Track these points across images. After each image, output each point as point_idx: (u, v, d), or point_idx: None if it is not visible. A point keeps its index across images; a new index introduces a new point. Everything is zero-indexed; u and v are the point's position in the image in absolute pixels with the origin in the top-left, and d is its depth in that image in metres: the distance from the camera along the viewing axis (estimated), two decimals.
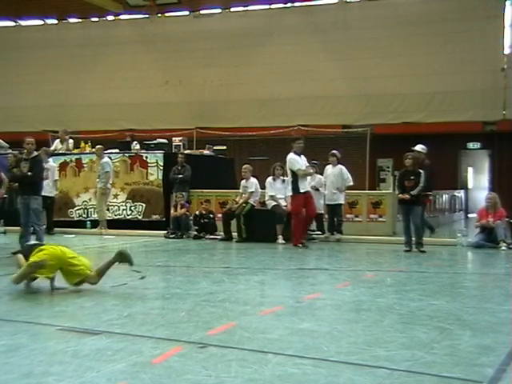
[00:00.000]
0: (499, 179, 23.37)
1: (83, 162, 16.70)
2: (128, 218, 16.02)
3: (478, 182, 26.10)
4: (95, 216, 16.08)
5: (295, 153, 12.69)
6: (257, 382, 3.96)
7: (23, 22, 30.32)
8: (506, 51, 23.62)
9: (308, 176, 12.84)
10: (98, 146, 16.23)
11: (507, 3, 23.53)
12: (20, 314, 5.88)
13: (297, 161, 12.55)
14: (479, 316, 6.05)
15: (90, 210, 16.40)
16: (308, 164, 12.88)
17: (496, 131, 23.31)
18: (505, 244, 12.30)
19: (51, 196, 14.90)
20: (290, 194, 12.84)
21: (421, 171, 11.96)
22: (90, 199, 16.39)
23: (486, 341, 4.99)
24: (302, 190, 12.46)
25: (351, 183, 13.87)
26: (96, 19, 29.30)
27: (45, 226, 12.74)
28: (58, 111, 26.98)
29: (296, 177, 12.49)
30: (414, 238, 11.92)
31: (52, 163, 15.30)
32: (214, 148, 18.32)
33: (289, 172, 12.68)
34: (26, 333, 5.26)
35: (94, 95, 27.20)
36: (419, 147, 13.91)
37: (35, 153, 11.19)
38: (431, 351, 4.65)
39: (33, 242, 8.89)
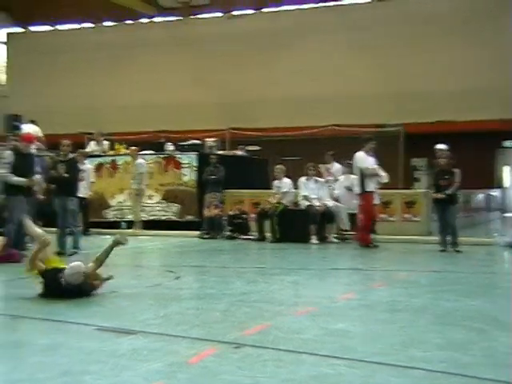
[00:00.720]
0: None
1: (118, 163, 16.87)
2: (162, 218, 16.15)
3: None
4: (130, 217, 16.24)
5: (366, 152, 12.61)
6: (293, 383, 3.97)
7: (60, 27, 30.84)
8: None
9: (375, 176, 12.62)
10: (132, 148, 16.39)
11: None
12: (58, 314, 5.97)
13: (365, 159, 12.49)
14: None
15: (124, 211, 16.57)
16: (376, 165, 12.68)
17: None
18: None
19: (87, 197, 15.08)
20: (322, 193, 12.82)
21: (456, 170, 11.82)
22: (124, 200, 16.56)
23: None
24: (368, 189, 12.41)
25: (385, 181, 13.72)
26: (130, 22, 29.67)
27: (81, 227, 12.90)
28: (94, 113, 27.34)
29: (363, 176, 12.41)
30: (449, 238, 11.78)
31: (88, 165, 15.49)
32: (247, 149, 18.35)
33: (356, 170, 12.59)
34: (64, 332, 5.35)
35: (128, 97, 27.53)
36: (440, 146, 13.56)
37: (71, 155, 11.36)
38: (468, 352, 4.60)
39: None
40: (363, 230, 12.59)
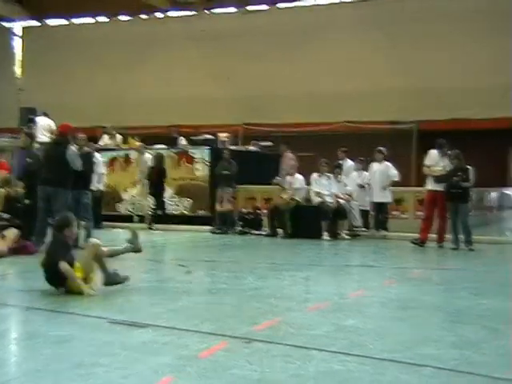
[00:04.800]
0: None
1: (131, 157, 16.93)
2: (175, 213, 16.17)
3: None
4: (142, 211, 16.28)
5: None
6: (301, 378, 3.96)
7: (75, 21, 30.94)
8: None
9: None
10: (138, 144, 16.46)
11: None
12: (72, 307, 6.00)
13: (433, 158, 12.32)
14: None
15: (137, 205, 16.62)
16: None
17: None
18: None
19: (99, 190, 15.04)
20: (334, 190, 12.77)
21: (469, 167, 11.75)
22: (137, 194, 16.60)
23: None
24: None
25: (396, 178, 13.68)
26: (145, 17, 29.72)
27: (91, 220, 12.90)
28: (108, 107, 27.37)
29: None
30: (462, 236, 11.73)
31: (99, 157, 15.48)
32: (260, 144, 18.32)
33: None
34: (77, 325, 5.38)
35: (142, 91, 27.58)
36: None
37: (86, 149, 11.41)
38: (480, 351, 4.57)
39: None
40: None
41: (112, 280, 6.74)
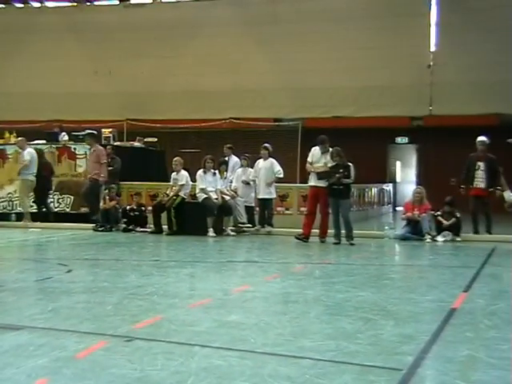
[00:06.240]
0: (425, 173, 24.06)
1: (8, 152, 16.20)
2: (55, 210, 15.65)
3: (406, 175, 26.75)
4: (20, 208, 15.63)
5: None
6: (182, 375, 3.94)
7: None
8: (432, 49, 24.36)
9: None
10: (19, 138, 15.77)
11: (432, 1, 24.23)
12: None
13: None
14: (402, 306, 6.22)
15: (14, 203, 15.94)
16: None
17: (423, 126, 23.97)
18: (429, 236, 12.65)
19: None
20: (219, 186, 12.84)
21: (350, 164, 12.12)
22: (14, 191, 15.91)
23: (408, 330, 5.12)
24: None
25: (281, 175, 13.93)
26: (20, 5, 28.46)
27: None
28: None
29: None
30: (343, 231, 12.10)
31: None
32: (145, 140, 18.09)
33: None
34: None
35: (18, 84, 26.43)
36: (481, 138, 13.54)
37: None
38: (355, 341, 4.73)
39: None
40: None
41: None
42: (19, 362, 4.14)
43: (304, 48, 24.36)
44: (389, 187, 23.94)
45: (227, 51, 25.21)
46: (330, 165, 12.19)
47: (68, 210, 15.67)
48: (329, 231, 12.34)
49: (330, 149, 12.36)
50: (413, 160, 26.06)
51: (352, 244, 11.86)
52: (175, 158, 14.27)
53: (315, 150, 12.59)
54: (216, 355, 4.35)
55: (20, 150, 15.45)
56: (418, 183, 22.20)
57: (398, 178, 26.87)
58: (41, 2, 28.20)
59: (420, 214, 12.82)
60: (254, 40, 25.23)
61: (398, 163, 27.02)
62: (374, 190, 20.72)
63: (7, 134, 16.96)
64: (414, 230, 12.82)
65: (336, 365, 4.17)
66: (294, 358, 4.31)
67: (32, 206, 15.34)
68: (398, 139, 25.22)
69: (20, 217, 15.48)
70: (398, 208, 23.16)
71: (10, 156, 16.16)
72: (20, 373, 3.92)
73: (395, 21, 23.62)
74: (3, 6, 28.52)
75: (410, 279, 8.59)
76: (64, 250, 11.63)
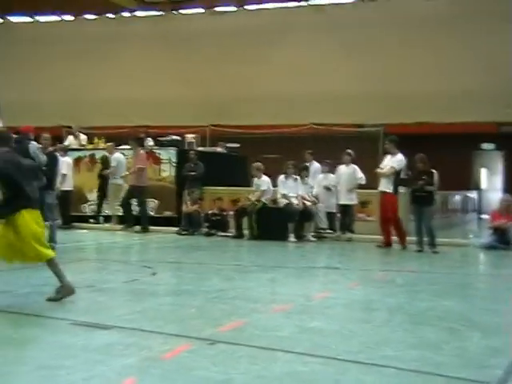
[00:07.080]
0: None
1: (97, 157, 16.77)
2: (151, 214, 16.01)
3: (491, 183, 25.96)
4: (107, 211, 16.15)
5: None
6: (265, 379, 3.98)
7: (41, 18, 30.54)
8: None
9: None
10: (108, 144, 16.33)
11: None
12: (35, 308, 5.94)
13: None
14: (489, 317, 6.04)
15: (103, 206, 16.46)
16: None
17: (510, 132, 23.19)
18: None
19: (66, 190, 14.80)
20: (300, 192, 12.86)
21: (433, 171, 11.90)
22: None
23: (495, 342, 4.99)
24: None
25: (363, 182, 13.82)
26: (112, 16, 29.50)
27: (58, 221, 12.75)
28: (73, 106, 27.07)
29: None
30: (426, 239, 11.88)
31: (68, 159, 15.29)
32: (227, 146, 18.32)
33: None
34: (40, 326, 5.33)
35: (108, 91, 27.35)
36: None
37: (50, 148, 11.30)
38: (440, 352, 4.65)
39: None
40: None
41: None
42: (109, 360, 4.29)
43: (388, 53, 24.08)
44: (473, 195, 23.31)
45: (310, 57, 25.22)
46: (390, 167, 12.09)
47: (153, 213, 16.04)
48: (410, 238, 12.14)
49: (400, 153, 12.23)
50: (499, 167, 25.28)
51: (435, 252, 11.61)
52: (254, 164, 14.40)
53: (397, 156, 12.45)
54: (299, 361, 4.37)
55: (108, 155, 16.03)
56: (506, 191, 21.48)
57: (484, 186, 26.11)
58: (131, 12, 29.10)
59: (508, 222, 12.43)
60: (337, 45, 25.12)
61: (484, 170, 26.26)
62: (458, 198, 20.22)
63: (96, 140, 17.58)
64: (501, 239, 12.44)
65: (421, 375, 4.11)
66: (376, 366, 4.27)
67: (118, 209, 15.80)
68: (484, 145, 24.51)
69: (108, 219, 15.98)
70: (482, 216, 22.51)
71: (98, 160, 16.72)
72: (110, 370, 4.07)
73: (485, 24, 22.98)
74: (96, 16, 29.67)
75: (496, 289, 8.33)
76: (149, 253, 11.95)
